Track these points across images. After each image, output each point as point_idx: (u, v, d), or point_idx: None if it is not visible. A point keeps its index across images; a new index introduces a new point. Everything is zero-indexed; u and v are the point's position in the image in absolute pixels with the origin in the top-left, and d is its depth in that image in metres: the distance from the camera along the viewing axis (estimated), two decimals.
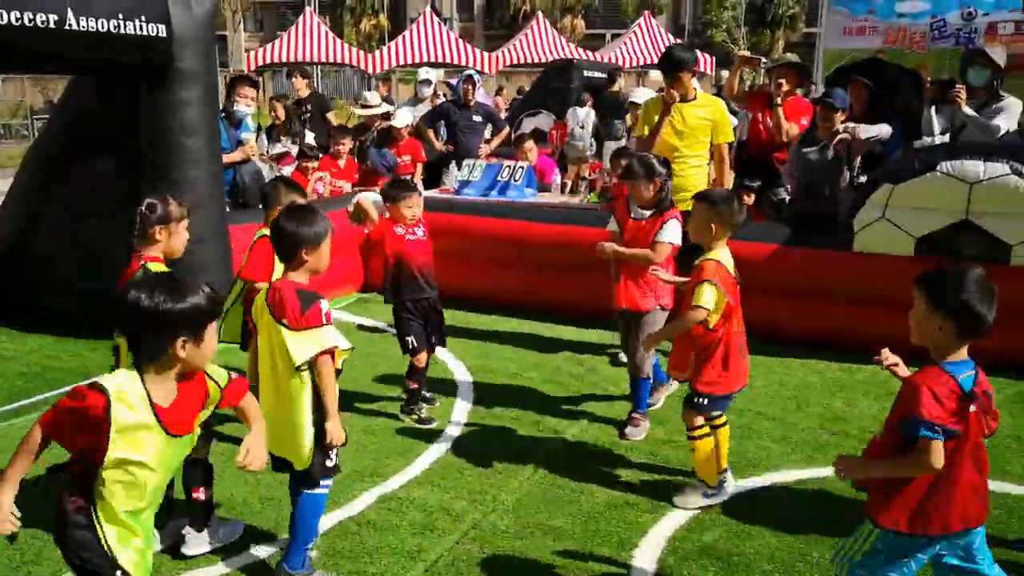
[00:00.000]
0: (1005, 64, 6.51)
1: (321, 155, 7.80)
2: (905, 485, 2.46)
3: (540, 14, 24.43)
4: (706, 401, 3.75)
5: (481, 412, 4.91)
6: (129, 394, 2.15)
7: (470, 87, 8.83)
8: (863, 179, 6.13)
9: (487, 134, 9.29)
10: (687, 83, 5.41)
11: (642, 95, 7.75)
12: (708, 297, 3.58)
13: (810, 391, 5.21)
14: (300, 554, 3.20)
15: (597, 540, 3.57)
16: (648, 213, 4.45)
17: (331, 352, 3.02)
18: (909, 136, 6.77)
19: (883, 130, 6.10)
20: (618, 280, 4.55)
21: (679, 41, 24.35)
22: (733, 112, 7.33)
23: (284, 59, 20.31)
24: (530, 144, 8.24)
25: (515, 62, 21.71)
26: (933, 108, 7.00)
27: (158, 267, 3.22)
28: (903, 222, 5.53)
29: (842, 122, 6.02)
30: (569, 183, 9.77)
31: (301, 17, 21.17)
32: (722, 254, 3.69)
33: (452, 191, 7.88)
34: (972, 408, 2.38)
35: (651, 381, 4.73)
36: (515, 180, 7.54)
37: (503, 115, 13.16)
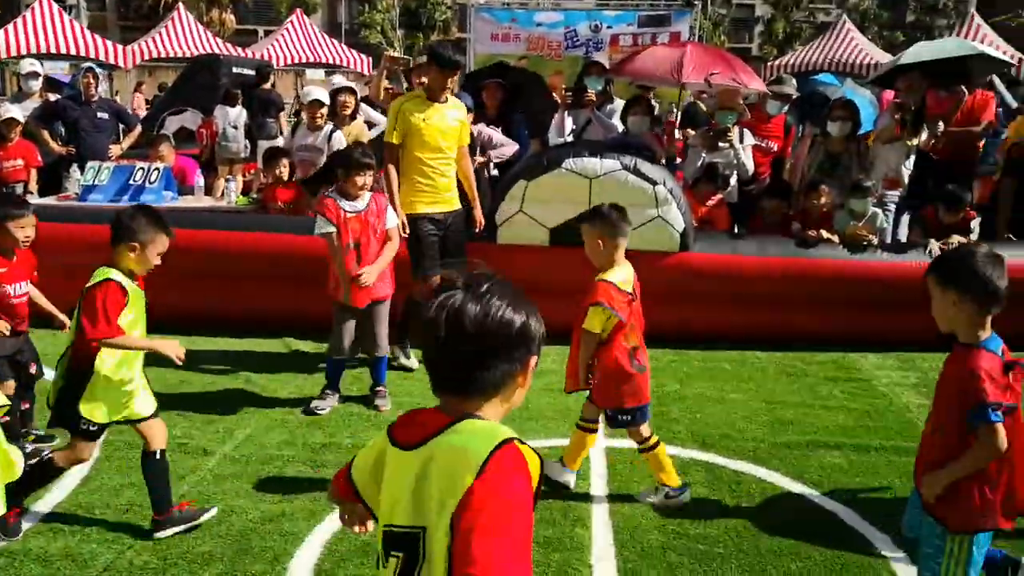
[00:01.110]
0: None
1: None
2: (985, 481, 2.41)
3: (181, 5, 22.72)
4: (629, 417, 3.75)
5: (116, 440, 4.38)
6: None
7: (92, 80, 7.93)
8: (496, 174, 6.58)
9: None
10: (454, 84, 5.46)
11: (321, 93, 7.36)
12: (593, 321, 3.65)
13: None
14: None
15: (250, 558, 3.38)
16: (363, 204, 4.78)
17: None
18: (537, 134, 7.38)
19: (506, 151, 6.68)
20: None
21: (335, 41, 24.18)
22: (384, 113, 7.36)
23: None
24: (165, 145, 7.62)
25: (155, 56, 19.97)
26: (566, 111, 7.73)
27: None
28: (538, 215, 5.98)
29: (473, 123, 6.36)
30: (221, 185, 9.23)
31: None
32: (616, 274, 3.69)
33: (74, 197, 7.02)
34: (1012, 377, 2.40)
35: (387, 357, 5.15)
36: (150, 183, 6.91)
37: (143, 113, 12.10)
